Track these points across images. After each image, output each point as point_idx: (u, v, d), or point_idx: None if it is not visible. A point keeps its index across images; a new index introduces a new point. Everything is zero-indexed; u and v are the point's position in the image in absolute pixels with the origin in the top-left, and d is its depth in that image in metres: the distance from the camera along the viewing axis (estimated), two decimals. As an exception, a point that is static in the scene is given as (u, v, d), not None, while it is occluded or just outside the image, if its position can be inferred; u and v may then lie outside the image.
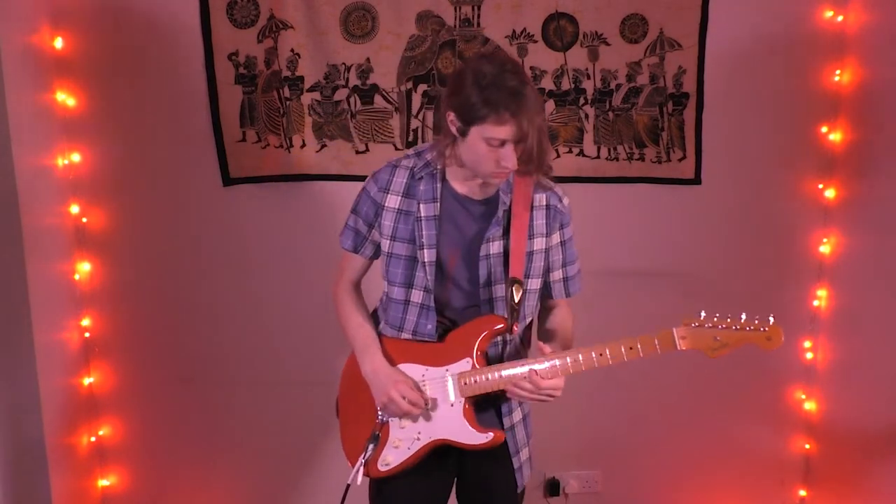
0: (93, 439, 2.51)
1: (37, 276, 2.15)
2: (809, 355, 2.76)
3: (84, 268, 2.43)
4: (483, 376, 1.65)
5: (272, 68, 2.38)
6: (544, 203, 1.71)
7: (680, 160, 2.59)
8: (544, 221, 1.71)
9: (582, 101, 2.52)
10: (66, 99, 2.31)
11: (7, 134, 2.03)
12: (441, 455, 1.72)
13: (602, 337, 2.65)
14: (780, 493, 2.87)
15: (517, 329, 1.70)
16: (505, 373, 1.64)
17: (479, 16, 2.42)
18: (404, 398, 1.65)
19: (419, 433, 1.70)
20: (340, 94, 2.42)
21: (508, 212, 1.67)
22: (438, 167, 1.67)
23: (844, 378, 2.66)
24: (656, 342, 1.60)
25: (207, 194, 2.44)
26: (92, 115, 2.34)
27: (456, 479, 1.86)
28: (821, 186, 2.65)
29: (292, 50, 2.37)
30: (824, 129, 2.62)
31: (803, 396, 2.79)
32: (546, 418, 2.68)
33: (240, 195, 2.45)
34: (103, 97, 2.34)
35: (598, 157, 2.56)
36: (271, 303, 2.54)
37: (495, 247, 1.67)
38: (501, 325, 1.66)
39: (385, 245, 1.71)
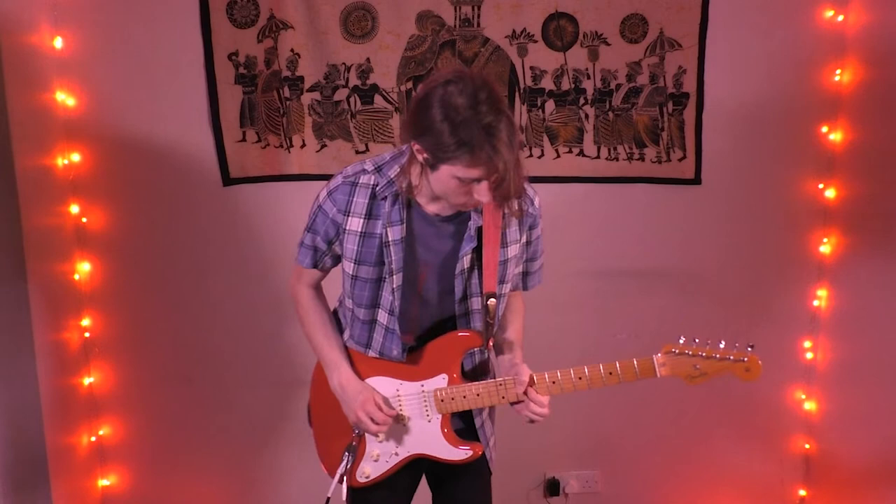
0: (93, 439, 2.51)
1: (37, 276, 2.15)
2: (809, 355, 2.76)
3: (84, 268, 2.43)
4: (461, 395, 1.64)
5: (272, 68, 2.38)
6: (517, 209, 1.65)
7: (680, 160, 2.59)
8: (516, 227, 1.65)
9: (582, 101, 2.52)
10: (66, 99, 2.32)
11: (7, 134, 2.03)
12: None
13: (601, 336, 2.66)
14: (780, 493, 2.87)
15: (491, 344, 1.69)
16: (482, 391, 1.63)
17: (479, 16, 2.42)
18: (371, 419, 1.61)
19: (397, 448, 1.70)
20: (340, 94, 2.42)
21: (480, 226, 1.60)
22: (403, 186, 1.55)
23: (844, 378, 2.66)
24: (636, 368, 1.61)
25: (207, 194, 2.44)
26: (92, 115, 2.34)
27: (428, 478, 1.86)
28: (821, 186, 2.65)
29: (292, 50, 2.37)
30: (824, 129, 2.61)
31: (803, 396, 2.79)
32: (546, 418, 2.68)
33: (240, 195, 2.45)
34: (103, 97, 2.34)
35: (598, 157, 2.56)
36: (271, 303, 2.54)
37: (468, 261, 1.61)
38: (478, 344, 1.64)
39: (349, 268, 1.63)
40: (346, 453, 1.68)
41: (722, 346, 1.61)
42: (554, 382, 1.62)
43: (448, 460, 1.68)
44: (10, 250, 2.08)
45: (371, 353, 1.69)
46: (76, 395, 2.43)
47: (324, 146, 2.46)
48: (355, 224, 1.58)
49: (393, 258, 1.58)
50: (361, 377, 1.68)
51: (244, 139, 2.41)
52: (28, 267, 2.11)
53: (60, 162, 2.33)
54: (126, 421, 2.55)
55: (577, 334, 2.63)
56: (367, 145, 2.47)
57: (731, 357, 1.60)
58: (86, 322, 2.46)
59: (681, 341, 1.60)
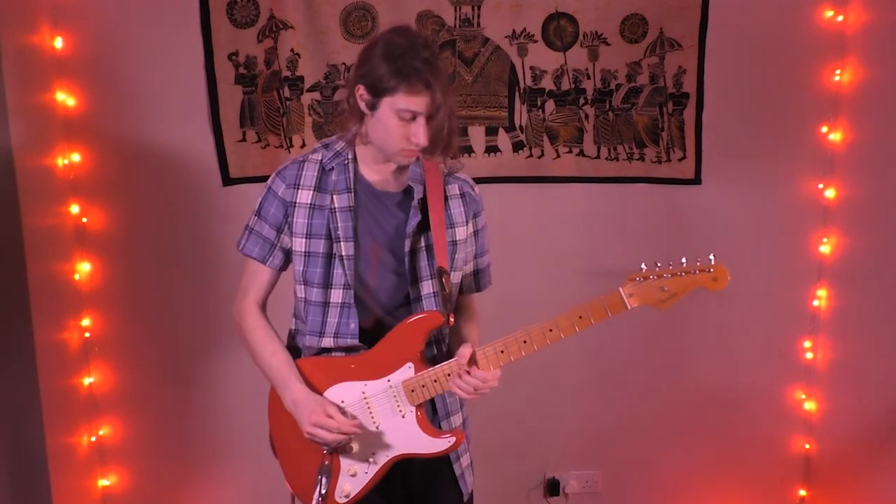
0: (93, 439, 2.51)
1: (37, 276, 2.15)
2: (809, 355, 2.76)
3: (84, 268, 2.43)
4: (430, 379, 1.54)
5: (272, 68, 2.38)
6: (458, 192, 1.65)
7: (680, 160, 2.59)
8: (462, 210, 1.65)
9: (582, 101, 2.52)
10: (66, 99, 2.32)
11: (7, 134, 2.03)
12: (385, 475, 1.60)
13: (599, 336, 2.65)
14: (780, 493, 2.87)
15: (453, 320, 1.60)
16: (450, 371, 1.53)
17: (479, 16, 2.42)
18: (323, 428, 1.51)
19: (373, 454, 1.58)
20: (340, 94, 2.43)
21: (424, 201, 1.59)
22: (350, 156, 1.59)
23: (844, 378, 2.66)
24: (605, 306, 1.54)
25: (207, 194, 2.44)
26: (92, 115, 2.34)
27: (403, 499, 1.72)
28: (821, 186, 2.65)
29: (292, 50, 2.37)
30: (824, 129, 2.62)
31: (803, 396, 2.79)
32: (546, 418, 2.68)
33: (240, 195, 2.45)
34: (103, 97, 2.34)
35: (598, 157, 2.56)
36: (271, 302, 2.53)
37: (417, 241, 1.59)
38: (440, 321, 1.54)
39: (300, 244, 1.60)
40: (320, 476, 1.53)
41: (684, 262, 1.57)
42: (526, 343, 1.54)
43: (430, 454, 1.57)
44: (10, 250, 2.08)
45: (325, 341, 1.61)
46: (76, 396, 2.43)
47: (324, 146, 2.45)
48: (304, 196, 1.59)
49: (340, 225, 1.57)
50: (321, 389, 1.58)
51: (244, 139, 2.41)
52: (28, 267, 2.10)
53: (60, 162, 2.33)
54: (126, 421, 2.55)
55: (577, 333, 2.62)
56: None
57: (697, 270, 1.56)
58: (86, 322, 2.45)
59: (643, 268, 1.56)
